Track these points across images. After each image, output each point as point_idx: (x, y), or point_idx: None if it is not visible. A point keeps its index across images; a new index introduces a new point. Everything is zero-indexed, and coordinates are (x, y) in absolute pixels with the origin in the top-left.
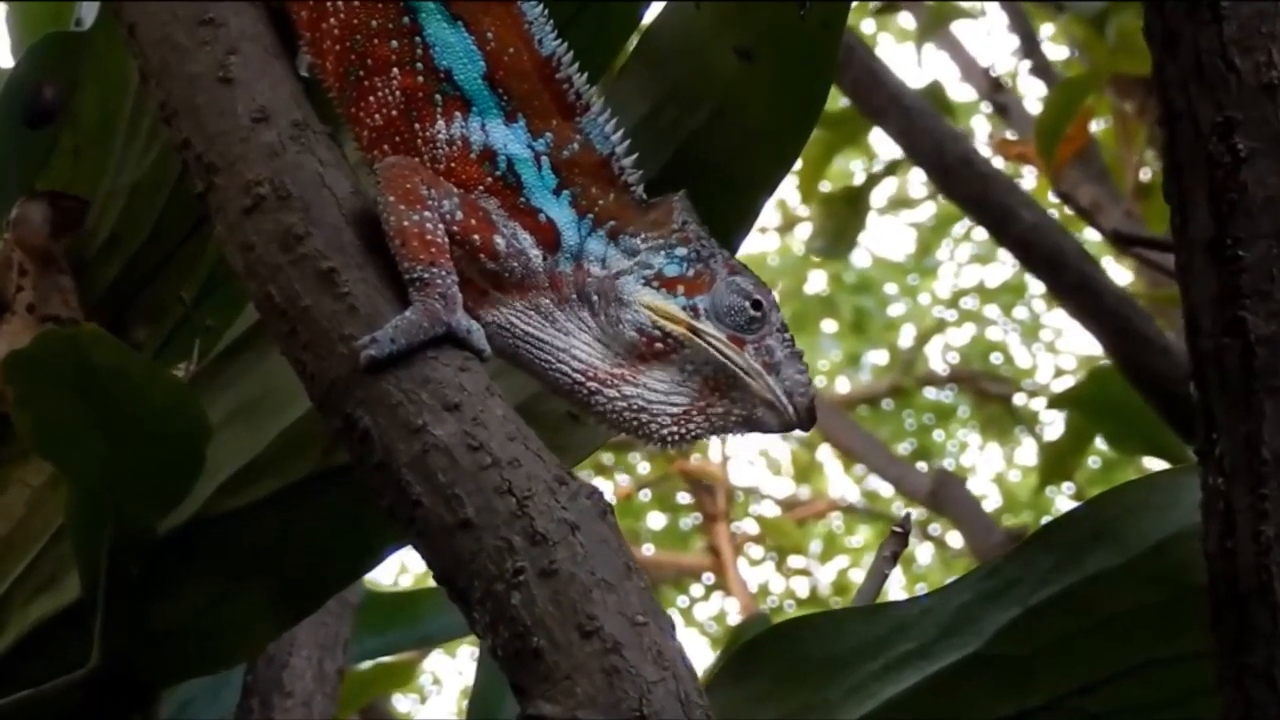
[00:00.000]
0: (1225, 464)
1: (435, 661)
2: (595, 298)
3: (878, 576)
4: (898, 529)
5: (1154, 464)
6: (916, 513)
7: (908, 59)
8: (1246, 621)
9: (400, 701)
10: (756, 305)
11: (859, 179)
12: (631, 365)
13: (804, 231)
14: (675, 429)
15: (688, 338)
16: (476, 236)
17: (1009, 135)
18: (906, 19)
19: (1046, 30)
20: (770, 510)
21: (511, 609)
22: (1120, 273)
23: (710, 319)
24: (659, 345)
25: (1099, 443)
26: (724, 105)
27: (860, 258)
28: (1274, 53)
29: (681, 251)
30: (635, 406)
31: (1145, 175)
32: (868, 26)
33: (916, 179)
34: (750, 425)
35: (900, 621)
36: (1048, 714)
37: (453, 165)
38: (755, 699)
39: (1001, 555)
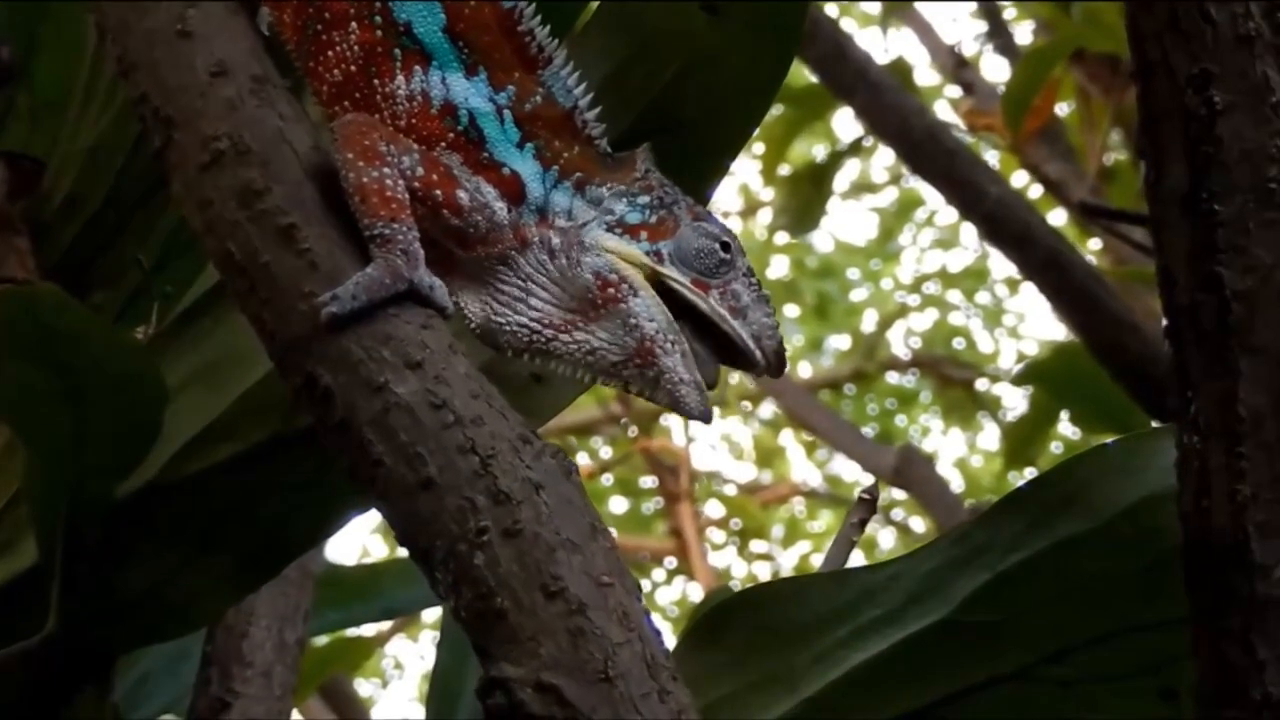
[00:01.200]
0: (1201, 422)
1: (397, 646)
2: (557, 242)
3: (844, 543)
4: (865, 495)
5: None
6: (880, 496)
7: (872, 45)
8: (1223, 583)
9: (362, 686)
10: (725, 248)
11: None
12: (584, 315)
13: (767, 216)
14: (612, 373)
15: (640, 284)
16: (439, 192)
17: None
18: (870, 5)
19: (1012, 16)
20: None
21: (474, 569)
22: (1084, 256)
23: (674, 263)
24: (611, 290)
25: (1063, 428)
26: (691, 62)
27: (823, 242)
28: (1251, 4)
29: (644, 199)
30: (585, 349)
31: (1109, 160)
32: (831, 11)
33: (879, 163)
34: (674, 403)
35: (868, 588)
36: (1018, 681)
37: (413, 121)
38: (719, 667)
39: (971, 520)
